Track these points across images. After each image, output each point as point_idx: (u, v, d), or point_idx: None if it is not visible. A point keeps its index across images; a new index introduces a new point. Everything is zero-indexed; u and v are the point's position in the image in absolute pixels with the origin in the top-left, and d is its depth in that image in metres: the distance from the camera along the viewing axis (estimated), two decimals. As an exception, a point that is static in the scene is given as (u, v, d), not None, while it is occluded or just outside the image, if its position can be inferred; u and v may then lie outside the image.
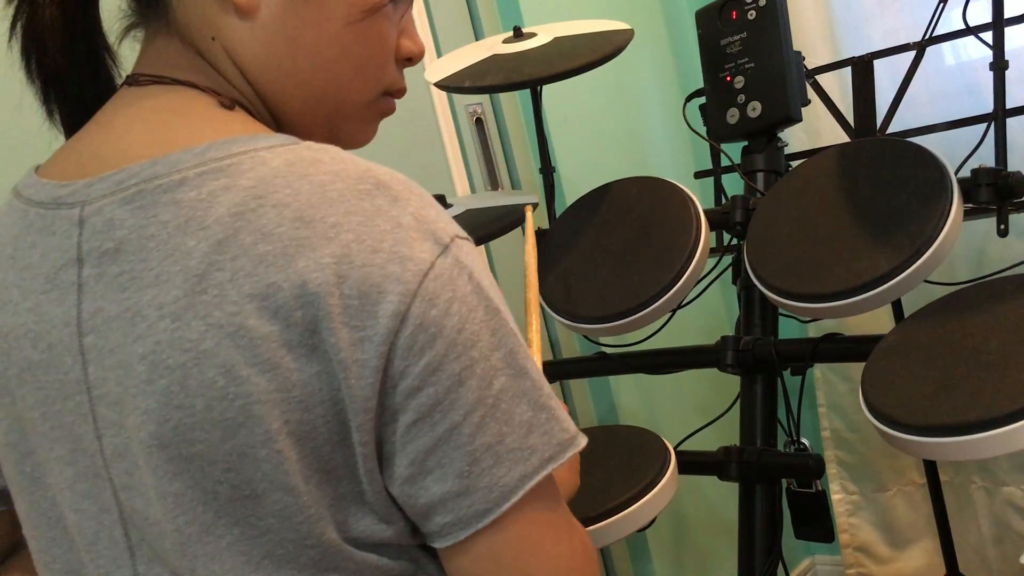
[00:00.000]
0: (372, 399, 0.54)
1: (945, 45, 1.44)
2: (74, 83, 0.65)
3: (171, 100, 0.61)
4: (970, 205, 1.12)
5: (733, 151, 1.45)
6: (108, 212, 0.57)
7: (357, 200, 0.55)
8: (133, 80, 0.63)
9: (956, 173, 1.09)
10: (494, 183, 1.77)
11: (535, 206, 1.48)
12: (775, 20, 1.32)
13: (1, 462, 0.66)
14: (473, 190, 1.75)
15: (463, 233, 0.59)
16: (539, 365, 0.76)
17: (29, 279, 0.60)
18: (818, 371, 1.98)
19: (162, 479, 0.56)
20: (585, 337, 1.51)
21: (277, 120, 0.65)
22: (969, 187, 1.10)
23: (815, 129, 1.76)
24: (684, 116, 1.49)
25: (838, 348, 1.22)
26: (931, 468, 1.58)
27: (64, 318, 0.58)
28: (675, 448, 1.22)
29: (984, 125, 1.22)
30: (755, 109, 1.34)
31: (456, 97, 1.74)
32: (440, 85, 1.35)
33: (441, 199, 1.42)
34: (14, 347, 0.61)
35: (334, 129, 0.67)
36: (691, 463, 1.26)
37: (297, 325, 0.53)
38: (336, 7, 0.62)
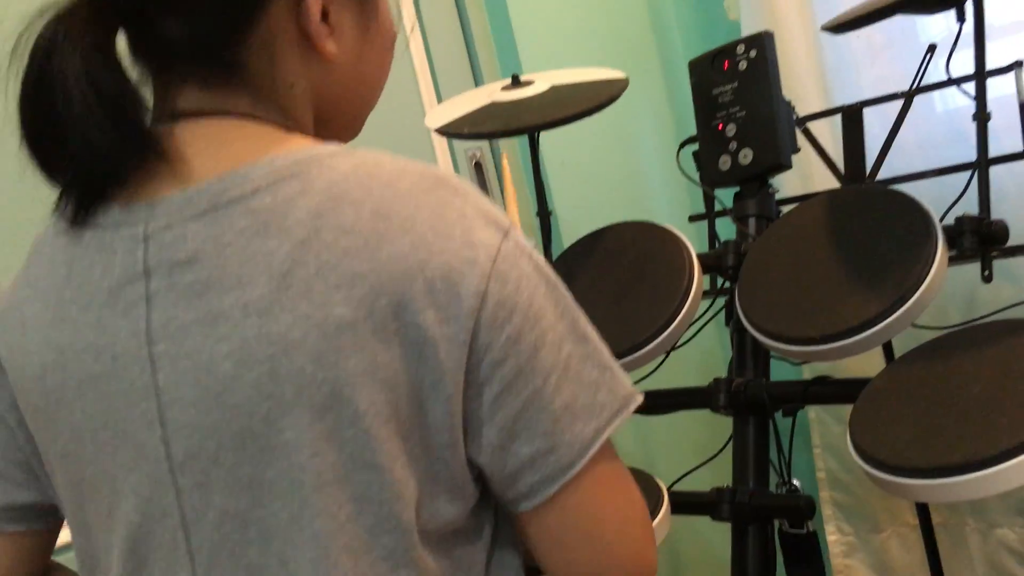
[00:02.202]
0: (460, 372, 0.60)
1: (935, 92, 1.48)
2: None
3: (225, 127, 0.64)
4: (955, 252, 1.15)
5: (726, 196, 1.49)
6: (178, 228, 0.61)
7: (424, 194, 0.61)
8: (176, 116, 0.65)
9: (941, 220, 1.12)
10: (493, 225, 1.81)
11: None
12: (765, 71, 1.36)
13: (55, 474, 0.68)
14: (472, 232, 1.78)
15: (513, 224, 0.64)
16: None
17: (89, 295, 0.63)
18: (813, 412, 2.00)
19: (254, 469, 0.59)
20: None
21: (317, 131, 0.71)
22: (953, 234, 1.13)
23: (808, 174, 1.78)
24: (678, 162, 1.53)
25: (828, 390, 1.24)
26: (923, 510, 1.59)
27: (131, 329, 0.61)
28: (669, 488, 1.24)
29: (970, 172, 1.25)
30: (746, 156, 1.38)
31: (456, 141, 1.77)
32: (440, 131, 1.39)
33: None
34: (72, 361, 0.63)
35: (357, 129, 0.75)
36: (684, 503, 1.28)
37: (381, 310, 0.58)
38: (380, 40, 0.72)
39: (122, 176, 0.62)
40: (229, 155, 0.62)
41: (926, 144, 1.73)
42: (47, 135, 0.61)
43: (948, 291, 1.67)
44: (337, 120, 0.72)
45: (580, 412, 0.62)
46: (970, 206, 1.21)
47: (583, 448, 0.62)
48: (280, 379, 0.58)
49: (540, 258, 0.64)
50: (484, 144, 1.81)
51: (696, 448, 1.52)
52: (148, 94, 0.66)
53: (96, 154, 0.60)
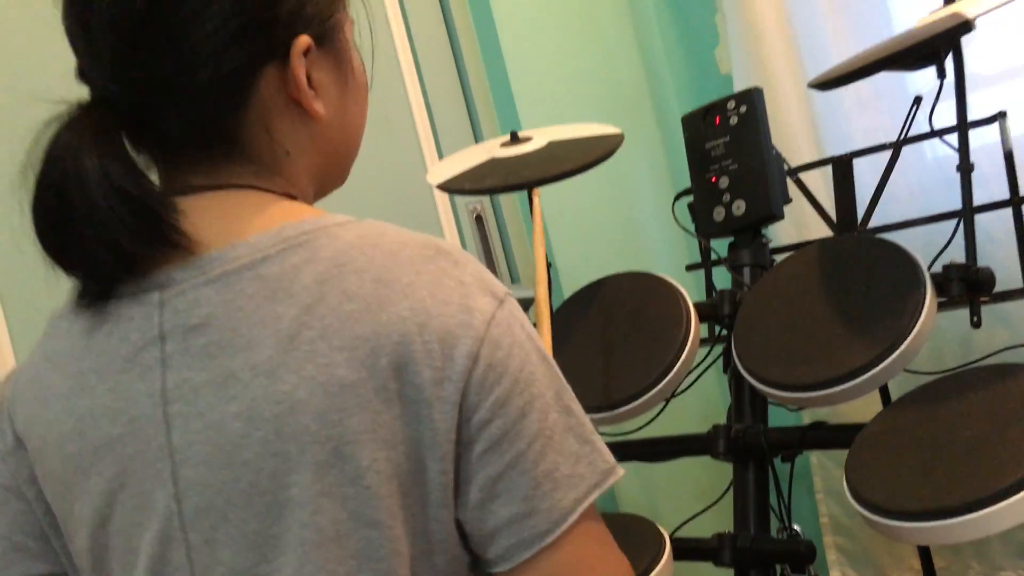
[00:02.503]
0: (452, 431, 0.62)
1: (924, 142, 1.52)
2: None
3: (231, 198, 0.68)
4: (944, 299, 1.18)
5: (721, 246, 1.52)
6: (192, 293, 0.64)
7: (424, 263, 0.64)
8: (184, 191, 0.67)
9: (931, 267, 1.15)
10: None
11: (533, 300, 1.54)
12: (755, 126, 1.40)
13: (73, 540, 0.70)
14: (474, 284, 1.81)
15: (510, 292, 0.67)
16: None
17: (107, 362, 0.66)
18: (814, 457, 2.01)
19: (261, 524, 0.61)
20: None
21: (315, 188, 0.75)
22: (942, 281, 1.16)
23: (802, 223, 1.82)
24: (674, 213, 1.57)
25: (825, 436, 1.26)
26: (926, 554, 1.60)
27: (147, 391, 0.64)
28: (671, 535, 1.25)
29: (957, 219, 1.28)
30: (739, 208, 1.41)
31: (457, 196, 1.81)
32: (442, 187, 1.43)
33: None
34: (90, 427, 0.66)
35: (345, 176, 0.79)
36: (686, 550, 1.29)
37: (383, 371, 0.60)
38: (358, 91, 0.75)
39: (146, 261, 0.65)
40: (238, 225, 0.66)
41: (917, 191, 1.77)
42: (65, 237, 0.64)
43: (943, 335, 1.70)
44: (328, 173, 0.75)
45: (561, 481, 0.64)
46: (961, 251, 1.24)
47: (561, 517, 0.63)
48: (285, 437, 0.60)
49: (532, 328, 0.67)
50: (485, 198, 1.85)
51: (698, 494, 1.54)
52: (153, 175, 0.69)
53: (121, 251, 0.63)
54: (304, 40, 0.68)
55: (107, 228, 0.62)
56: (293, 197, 0.71)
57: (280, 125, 0.69)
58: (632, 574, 0.69)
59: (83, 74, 0.68)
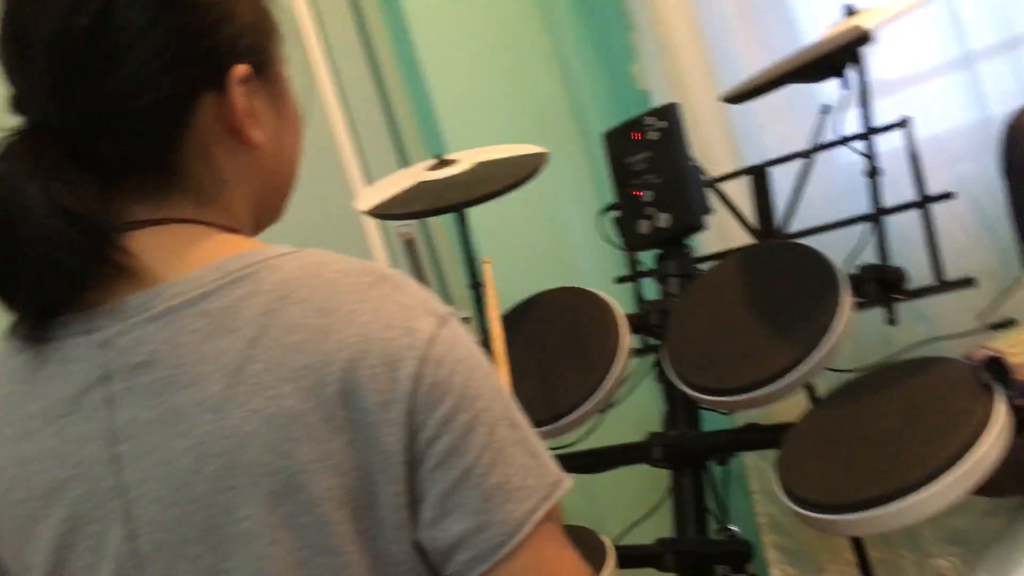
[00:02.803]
0: (402, 452, 0.63)
1: (836, 148, 1.58)
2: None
3: (172, 233, 0.68)
4: (861, 299, 1.23)
5: (649, 257, 1.56)
6: (135, 331, 0.64)
7: (366, 290, 0.65)
8: (124, 227, 0.67)
9: (847, 268, 1.20)
10: (427, 299, 1.85)
11: (467, 320, 1.56)
12: (675, 139, 1.44)
13: None
14: (408, 307, 1.82)
15: (454, 311, 0.68)
16: None
17: (51, 405, 0.66)
18: (749, 459, 2.06)
19: (216, 559, 0.62)
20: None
21: (254, 221, 0.75)
22: (858, 282, 1.21)
23: (724, 231, 1.86)
24: (601, 228, 1.60)
25: (756, 437, 1.30)
26: (859, 546, 1.65)
27: (94, 432, 0.64)
28: (615, 543, 1.28)
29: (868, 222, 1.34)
30: (663, 220, 1.45)
31: (387, 221, 1.82)
32: (371, 213, 1.44)
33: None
34: (36, 473, 0.66)
35: (277, 215, 0.79)
36: (630, 557, 1.31)
37: (330, 399, 0.61)
38: (292, 120, 0.76)
39: (86, 290, 0.65)
40: (180, 260, 0.66)
41: (832, 196, 1.83)
42: (10, 263, 0.63)
43: (864, 333, 1.76)
44: (266, 204, 0.76)
45: (512, 493, 0.64)
46: (877, 252, 1.29)
47: (515, 528, 0.64)
48: (236, 471, 0.61)
49: (476, 346, 0.68)
50: (415, 222, 1.87)
51: (639, 501, 1.57)
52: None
53: (64, 273, 0.63)
54: (242, 68, 0.69)
55: (54, 249, 0.62)
56: (233, 230, 0.71)
57: (218, 153, 0.69)
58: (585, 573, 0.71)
59: (19, 102, 0.68)
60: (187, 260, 0.66)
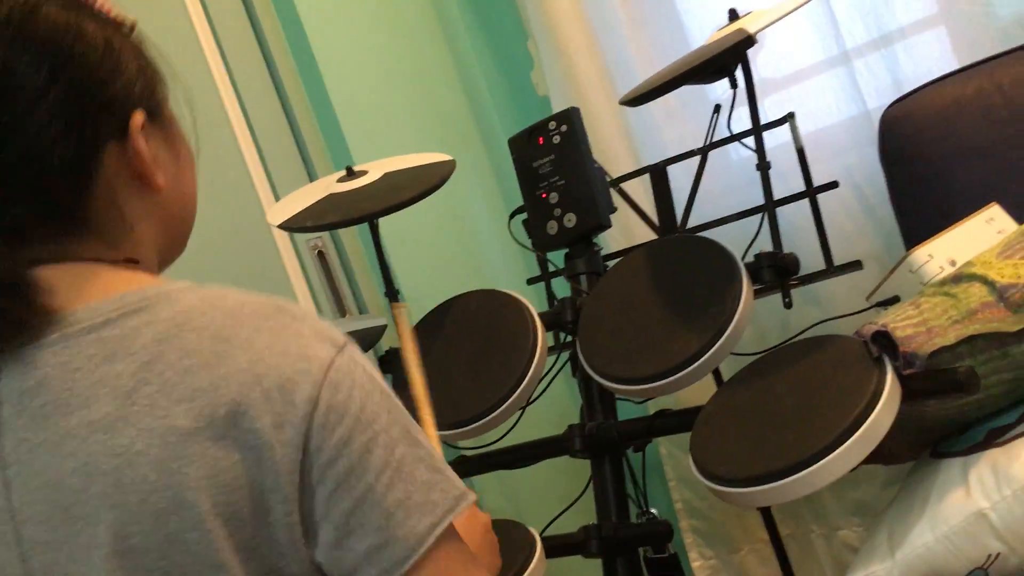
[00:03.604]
0: (295, 473, 0.65)
1: (729, 145, 1.66)
2: None
3: (74, 270, 0.69)
4: (759, 285, 1.30)
5: (557, 258, 1.61)
6: (27, 356, 0.65)
7: (263, 319, 0.67)
8: (33, 263, 0.68)
9: (743, 258, 1.27)
10: (342, 311, 1.87)
11: (384, 327, 1.59)
12: (576, 143, 1.49)
13: None
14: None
15: (352, 340, 0.71)
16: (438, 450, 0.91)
17: None
18: (663, 448, 2.13)
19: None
20: (445, 443, 1.61)
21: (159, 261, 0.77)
22: (754, 270, 1.28)
23: (628, 228, 1.93)
24: (510, 231, 1.64)
25: (670, 422, 1.36)
26: (771, 524, 1.73)
27: None
28: (541, 535, 1.32)
29: (762, 214, 1.42)
30: (570, 220, 1.51)
31: (297, 234, 1.83)
32: (283, 227, 1.45)
33: (295, 331, 1.50)
34: None
35: (180, 251, 0.82)
36: (556, 546, 1.36)
37: (221, 419, 0.63)
38: (187, 158, 0.79)
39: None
40: (80, 293, 0.68)
41: (727, 190, 1.92)
42: None
43: (763, 319, 1.85)
44: (169, 243, 0.79)
45: (414, 509, 0.67)
46: (770, 242, 1.37)
47: (418, 542, 0.66)
48: (125, 488, 0.62)
49: (375, 372, 0.71)
50: (325, 234, 1.88)
51: (560, 494, 1.62)
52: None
53: None
54: (139, 116, 0.72)
55: None
56: (136, 263, 0.73)
57: (124, 199, 0.72)
58: None
59: None
60: (86, 293, 0.68)
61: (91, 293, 0.68)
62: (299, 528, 0.66)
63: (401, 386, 1.44)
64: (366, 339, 1.54)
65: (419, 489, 0.68)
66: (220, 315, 0.66)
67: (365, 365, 0.70)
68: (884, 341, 1.09)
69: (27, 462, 0.64)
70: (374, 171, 1.52)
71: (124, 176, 0.71)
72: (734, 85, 1.35)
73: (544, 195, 1.54)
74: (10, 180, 0.67)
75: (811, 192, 1.42)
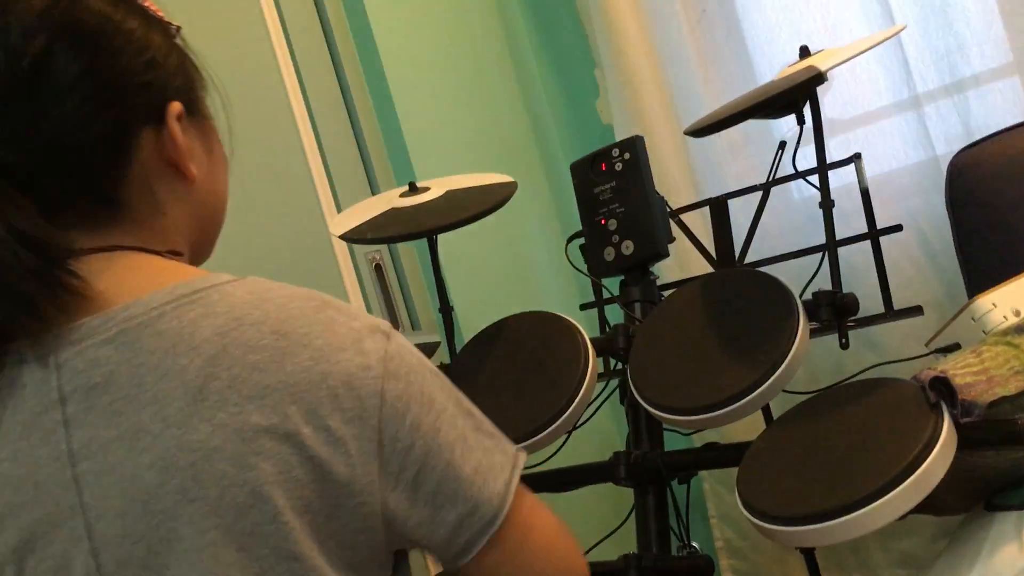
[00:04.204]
0: (373, 464, 0.68)
1: (792, 183, 1.65)
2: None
3: (120, 260, 0.71)
4: (816, 324, 1.29)
5: (612, 284, 1.61)
6: (90, 353, 0.66)
7: (314, 313, 0.70)
8: (76, 253, 0.70)
9: (801, 296, 1.26)
10: (395, 324, 1.89)
11: (437, 344, 1.60)
12: (639, 171, 1.50)
13: None
14: (376, 331, 1.85)
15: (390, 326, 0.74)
16: None
17: (5, 430, 0.67)
18: (707, 483, 2.11)
19: (181, 570, 0.64)
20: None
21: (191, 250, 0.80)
22: (812, 308, 1.26)
23: (684, 261, 1.94)
24: (567, 255, 1.65)
25: (717, 455, 1.35)
26: (813, 567, 1.70)
27: (51, 455, 0.66)
28: (579, 560, 1.31)
29: (822, 253, 1.40)
30: (628, 247, 1.51)
31: (356, 246, 1.86)
32: (344, 237, 1.47)
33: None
34: None
35: (210, 251, 0.85)
36: (595, 574, 1.34)
37: (292, 417, 0.65)
38: (222, 162, 0.83)
39: (40, 315, 0.67)
40: (129, 285, 0.70)
41: (787, 228, 1.91)
42: None
43: (817, 359, 1.83)
44: (200, 239, 0.81)
45: (488, 473, 0.73)
46: (828, 282, 1.36)
47: (500, 501, 0.73)
48: (203, 483, 0.64)
49: (419, 352, 0.74)
50: (383, 247, 1.91)
51: (601, 522, 1.61)
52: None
53: (18, 298, 0.65)
54: (177, 105, 0.74)
55: (7, 273, 0.65)
56: (179, 254, 0.76)
57: (158, 185, 0.74)
58: (563, 526, 0.80)
59: None
60: (135, 285, 0.69)
61: (139, 285, 0.69)
62: (374, 517, 0.69)
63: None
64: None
65: (486, 454, 0.74)
66: (274, 309, 0.68)
67: (411, 348, 0.74)
68: (943, 387, 1.07)
69: (100, 458, 0.65)
70: (436, 188, 1.53)
71: (158, 162, 0.74)
72: (801, 122, 1.34)
73: (603, 221, 1.54)
74: (43, 154, 0.69)
75: (874, 234, 1.40)
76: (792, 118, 1.38)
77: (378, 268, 1.89)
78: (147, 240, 0.74)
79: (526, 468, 1.48)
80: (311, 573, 0.66)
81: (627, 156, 1.52)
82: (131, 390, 0.65)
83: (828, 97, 1.80)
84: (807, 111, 1.32)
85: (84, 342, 0.67)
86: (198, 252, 0.82)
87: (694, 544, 1.35)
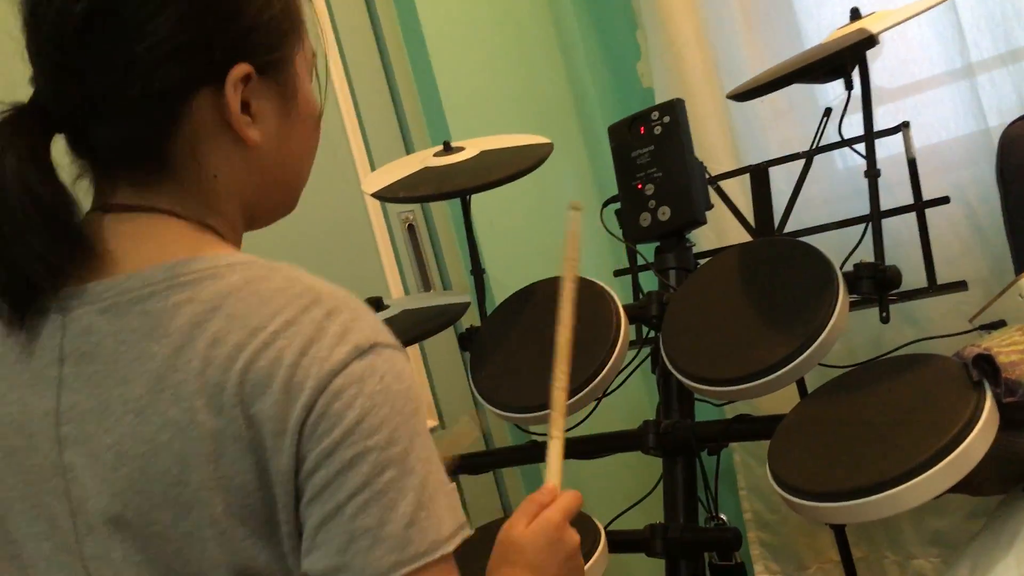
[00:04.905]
0: (291, 482, 0.63)
1: (836, 152, 1.60)
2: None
3: (146, 224, 0.70)
4: (855, 296, 1.25)
5: (647, 250, 1.58)
6: (87, 320, 0.66)
7: (296, 312, 0.64)
8: (108, 208, 0.70)
9: (842, 267, 1.22)
10: (427, 285, 1.87)
11: (467, 305, 1.58)
12: (678, 135, 1.46)
13: None
14: (407, 292, 1.84)
15: (391, 342, 0.67)
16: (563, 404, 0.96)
17: (17, 374, 0.68)
18: (737, 456, 2.09)
19: (126, 552, 0.64)
20: (516, 426, 1.60)
21: (249, 215, 0.76)
22: (852, 280, 1.23)
23: (722, 229, 1.90)
24: (601, 220, 1.62)
25: (748, 428, 1.32)
26: (844, 545, 1.68)
27: (45, 409, 0.66)
28: (605, 527, 1.30)
29: (866, 223, 1.36)
30: (664, 213, 1.48)
31: (389, 205, 1.84)
32: (377, 196, 1.46)
33: (378, 301, 1.51)
34: (0, 434, 0.68)
35: (292, 203, 0.81)
36: (619, 542, 1.33)
37: (237, 420, 0.62)
38: (304, 119, 0.77)
39: (57, 276, 0.67)
40: (142, 253, 0.68)
41: (830, 198, 1.87)
42: None
43: (855, 333, 1.79)
44: (265, 201, 0.77)
45: (384, 539, 0.61)
46: (871, 254, 1.32)
47: None
48: (148, 477, 0.63)
49: (400, 383, 0.65)
50: (416, 207, 1.89)
51: (627, 491, 1.59)
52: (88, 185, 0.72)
53: (33, 254, 0.65)
54: (242, 68, 0.69)
55: (21, 229, 0.64)
56: (209, 226, 0.72)
57: (211, 147, 0.71)
58: None
59: (33, 80, 0.70)
60: (148, 254, 0.68)
61: (150, 255, 0.68)
62: (295, 535, 0.64)
63: (478, 365, 1.44)
64: (448, 315, 1.53)
65: (397, 520, 0.62)
66: (256, 301, 0.65)
67: (387, 374, 0.64)
68: (986, 365, 1.03)
69: (78, 425, 0.65)
70: (471, 148, 1.51)
71: (214, 124, 0.70)
72: (849, 87, 1.30)
73: (640, 186, 1.51)
74: (96, 100, 0.67)
75: (920, 206, 1.36)
76: (839, 84, 1.34)
77: (411, 228, 1.88)
78: (187, 204, 0.71)
79: (554, 434, 1.48)
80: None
81: (666, 120, 1.48)
82: (110, 365, 0.65)
83: (877, 64, 1.74)
84: (855, 76, 1.28)
85: (86, 307, 0.67)
86: (266, 210, 0.78)
87: (722, 516, 1.33)
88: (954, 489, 1.00)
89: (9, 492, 0.68)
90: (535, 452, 1.54)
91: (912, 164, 1.37)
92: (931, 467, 0.97)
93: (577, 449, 1.50)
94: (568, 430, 1.48)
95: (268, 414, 0.62)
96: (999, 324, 1.25)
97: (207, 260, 0.67)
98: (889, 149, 1.51)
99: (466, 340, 1.53)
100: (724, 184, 1.61)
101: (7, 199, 0.64)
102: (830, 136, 1.44)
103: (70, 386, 0.66)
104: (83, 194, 0.72)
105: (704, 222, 1.49)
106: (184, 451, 0.62)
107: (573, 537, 0.82)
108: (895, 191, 1.52)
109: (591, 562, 1.20)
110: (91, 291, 0.67)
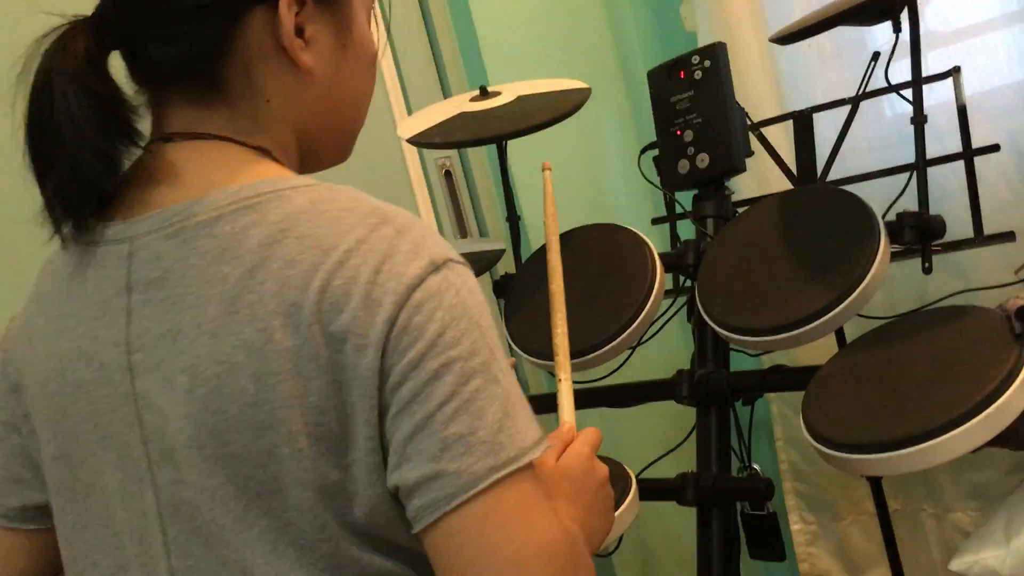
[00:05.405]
0: (375, 396, 0.63)
1: (883, 98, 1.56)
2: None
3: (207, 150, 0.70)
4: (897, 246, 1.23)
5: (685, 199, 1.56)
6: (154, 247, 0.67)
7: (367, 231, 0.65)
8: (168, 137, 0.71)
9: (884, 217, 1.20)
10: (463, 231, 1.87)
11: (503, 251, 1.58)
12: (719, 79, 1.43)
13: (49, 475, 0.73)
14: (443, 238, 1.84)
15: (460, 259, 0.68)
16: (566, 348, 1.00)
17: (84, 308, 0.69)
18: (774, 406, 2.07)
19: (202, 475, 0.64)
20: (551, 374, 1.60)
21: (304, 151, 0.76)
22: (895, 229, 1.20)
23: (764, 177, 1.86)
24: (639, 166, 1.60)
25: (783, 378, 1.31)
26: (880, 497, 1.67)
27: (115, 339, 0.67)
28: (636, 476, 1.30)
29: (911, 172, 1.33)
30: (703, 160, 1.45)
31: (426, 151, 1.84)
32: (412, 141, 1.45)
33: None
34: (68, 368, 0.70)
35: (345, 149, 0.81)
36: (651, 490, 1.34)
37: (314, 338, 0.62)
38: (359, 57, 0.77)
39: (115, 174, 0.68)
40: (206, 179, 0.68)
41: (877, 146, 1.82)
42: (46, 144, 0.67)
43: (897, 284, 1.76)
44: (324, 139, 0.77)
45: (474, 447, 0.62)
46: (915, 204, 1.29)
47: (471, 482, 0.61)
48: (224, 397, 0.63)
49: (473, 297, 0.66)
50: (453, 153, 1.88)
51: (660, 440, 1.59)
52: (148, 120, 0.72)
53: (92, 148, 0.65)
54: None
55: (78, 126, 0.65)
56: (266, 151, 0.72)
57: (264, 69, 0.71)
58: (558, 543, 0.64)
59: None
60: (210, 178, 0.68)
61: (215, 180, 0.68)
62: (380, 453, 0.64)
63: (512, 312, 1.44)
64: (484, 261, 1.53)
65: (487, 427, 0.62)
66: (325, 222, 0.65)
67: (462, 288, 0.66)
68: (1030, 318, 1.01)
69: (149, 352, 0.66)
70: (507, 93, 1.49)
71: (268, 44, 0.70)
72: (897, 30, 1.25)
73: (679, 132, 1.48)
74: (151, 13, 0.68)
75: (969, 154, 1.32)
76: (888, 27, 1.29)
77: (448, 174, 1.87)
78: (241, 128, 0.71)
79: (589, 381, 1.48)
80: (321, 504, 0.64)
81: (707, 64, 1.45)
82: (180, 290, 0.65)
83: (929, 7, 1.68)
84: (904, 19, 1.24)
85: (153, 234, 0.67)
86: (317, 150, 0.78)
87: (755, 466, 1.32)
88: (994, 443, 0.98)
89: (82, 424, 0.69)
90: (569, 399, 1.54)
91: (962, 111, 1.33)
92: (969, 420, 0.95)
93: (611, 397, 1.50)
94: (602, 378, 1.48)
95: (349, 330, 0.62)
96: (1046, 276, 1.22)
97: (270, 183, 0.67)
98: (939, 96, 1.47)
99: (501, 287, 1.53)
100: (767, 131, 1.57)
101: (67, 100, 0.65)
102: (878, 82, 1.40)
103: (140, 313, 0.66)
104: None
105: (743, 170, 1.46)
106: (260, 370, 0.62)
107: (602, 467, 0.82)
108: (945, 139, 1.48)
109: (622, 508, 1.21)
110: (156, 218, 0.67)
